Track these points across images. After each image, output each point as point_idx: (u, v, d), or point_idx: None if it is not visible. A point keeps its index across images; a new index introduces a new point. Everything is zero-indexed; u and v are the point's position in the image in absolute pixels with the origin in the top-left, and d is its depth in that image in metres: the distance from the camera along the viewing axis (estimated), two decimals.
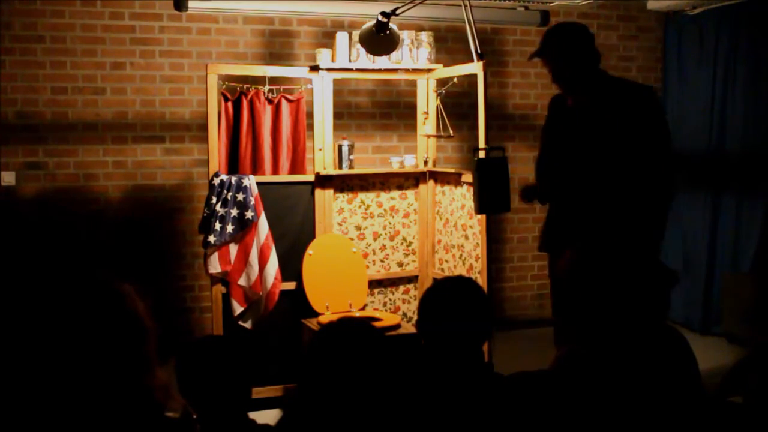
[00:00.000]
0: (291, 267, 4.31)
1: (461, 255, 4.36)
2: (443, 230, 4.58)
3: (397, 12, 4.06)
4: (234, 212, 4.12)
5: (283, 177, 4.40)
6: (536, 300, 6.04)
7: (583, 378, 2.11)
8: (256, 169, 4.36)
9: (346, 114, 5.46)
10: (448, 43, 5.54)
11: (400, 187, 4.66)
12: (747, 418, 2.23)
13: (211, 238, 4.08)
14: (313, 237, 4.40)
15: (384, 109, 5.60)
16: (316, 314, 4.29)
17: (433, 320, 2.18)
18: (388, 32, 4.08)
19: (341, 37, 4.38)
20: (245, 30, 5.26)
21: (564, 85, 3.51)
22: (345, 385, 1.84)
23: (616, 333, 2.12)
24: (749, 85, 5.55)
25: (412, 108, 4.92)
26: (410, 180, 4.68)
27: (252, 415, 2.22)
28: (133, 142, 5.09)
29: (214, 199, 4.11)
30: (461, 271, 4.35)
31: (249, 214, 4.12)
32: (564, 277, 2.69)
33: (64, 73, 4.94)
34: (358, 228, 4.57)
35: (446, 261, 4.56)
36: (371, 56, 4.32)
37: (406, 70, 4.50)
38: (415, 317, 3.40)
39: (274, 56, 5.30)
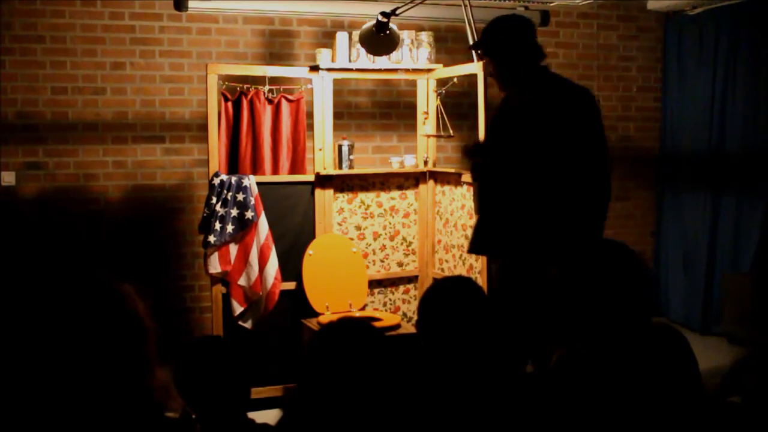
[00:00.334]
0: (291, 267, 4.31)
1: (461, 255, 4.36)
2: (443, 230, 4.58)
3: (397, 12, 4.06)
4: (234, 212, 4.12)
5: (283, 177, 4.40)
6: None
7: (582, 378, 2.10)
8: (256, 169, 4.36)
9: (346, 114, 5.45)
10: (448, 43, 5.54)
11: (400, 187, 4.66)
12: (746, 419, 2.23)
13: (211, 238, 4.08)
14: (313, 237, 4.40)
15: (384, 109, 5.60)
16: (316, 314, 4.29)
17: (433, 320, 2.18)
18: (388, 32, 4.08)
19: (341, 37, 4.38)
20: (245, 30, 5.26)
21: (500, 80, 3.40)
22: (345, 385, 1.84)
23: (605, 331, 2.12)
24: (749, 85, 5.55)
25: (412, 108, 4.92)
26: (410, 180, 4.68)
27: (252, 415, 2.22)
28: (133, 142, 5.09)
29: (214, 199, 4.11)
30: (461, 271, 4.34)
31: (249, 214, 4.12)
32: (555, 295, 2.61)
33: (64, 73, 4.94)
34: (358, 228, 4.57)
35: (446, 261, 4.56)
36: (371, 56, 4.33)
37: (406, 70, 4.50)
38: (415, 317, 3.40)
39: (274, 56, 5.30)
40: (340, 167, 4.51)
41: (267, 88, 4.38)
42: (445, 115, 4.51)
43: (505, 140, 3.34)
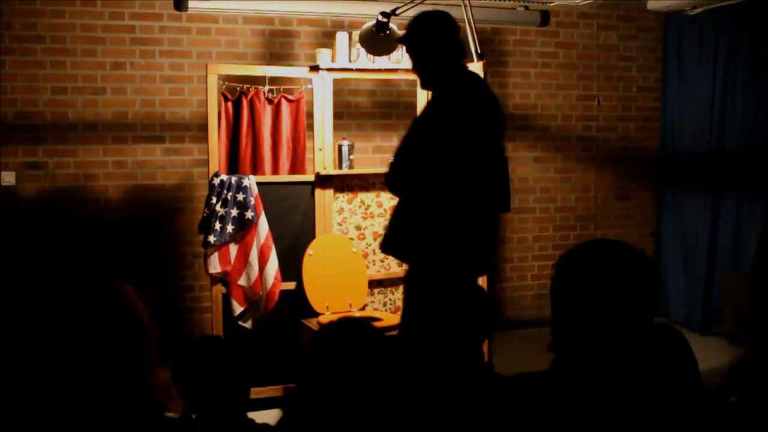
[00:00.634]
0: (291, 267, 4.31)
1: None
2: None
3: (397, 12, 4.06)
4: (234, 212, 4.12)
5: (283, 177, 4.40)
6: (536, 300, 6.04)
7: (582, 378, 2.10)
8: (256, 169, 4.37)
9: (346, 114, 5.46)
10: None
11: None
12: (746, 419, 2.23)
13: (211, 238, 4.08)
14: (313, 237, 4.40)
15: (384, 109, 5.60)
16: (316, 314, 4.29)
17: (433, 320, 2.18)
18: (388, 32, 4.08)
19: (341, 37, 4.38)
20: (245, 30, 5.26)
21: (419, 75, 3.34)
22: (345, 385, 1.84)
23: (608, 333, 2.12)
24: (749, 85, 5.55)
25: (412, 108, 4.92)
26: None
27: (252, 415, 2.22)
28: (133, 142, 5.09)
29: (214, 199, 4.11)
30: None
31: (249, 214, 4.12)
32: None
33: (64, 73, 4.94)
34: (358, 228, 4.57)
35: None
36: (371, 56, 4.33)
37: (406, 70, 4.49)
38: None
39: (274, 56, 5.30)
40: (340, 167, 4.51)
41: (267, 88, 4.38)
42: None
43: (414, 142, 3.26)
